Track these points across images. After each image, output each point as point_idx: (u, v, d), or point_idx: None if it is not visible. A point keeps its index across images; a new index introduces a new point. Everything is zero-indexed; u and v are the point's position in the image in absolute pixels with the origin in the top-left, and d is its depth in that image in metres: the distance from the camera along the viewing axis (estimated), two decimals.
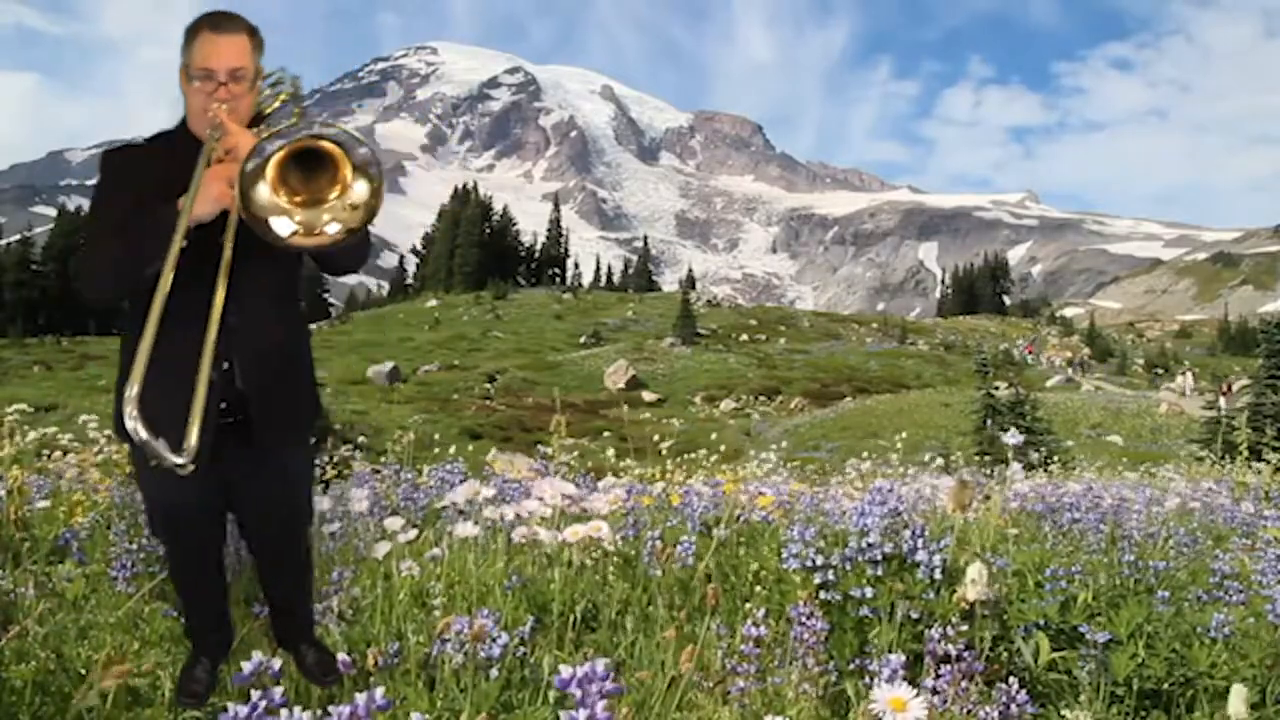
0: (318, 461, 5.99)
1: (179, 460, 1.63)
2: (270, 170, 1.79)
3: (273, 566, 2.32)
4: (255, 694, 1.22)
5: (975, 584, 2.29)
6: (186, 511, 2.10)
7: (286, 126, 1.81)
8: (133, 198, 1.97)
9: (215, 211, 1.91)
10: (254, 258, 1.95)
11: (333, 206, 1.84)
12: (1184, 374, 41.88)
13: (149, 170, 2.03)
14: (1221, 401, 23.57)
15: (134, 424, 1.62)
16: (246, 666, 1.52)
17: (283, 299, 2.18)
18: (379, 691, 1.21)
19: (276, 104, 2.17)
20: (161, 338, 1.72)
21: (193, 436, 1.68)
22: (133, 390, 1.64)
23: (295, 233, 1.84)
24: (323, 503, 3.34)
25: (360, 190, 1.83)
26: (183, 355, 1.81)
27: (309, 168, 1.82)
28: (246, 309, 2.02)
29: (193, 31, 2.02)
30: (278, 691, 1.24)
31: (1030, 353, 55.48)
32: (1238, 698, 1.74)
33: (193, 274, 1.87)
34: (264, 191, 1.79)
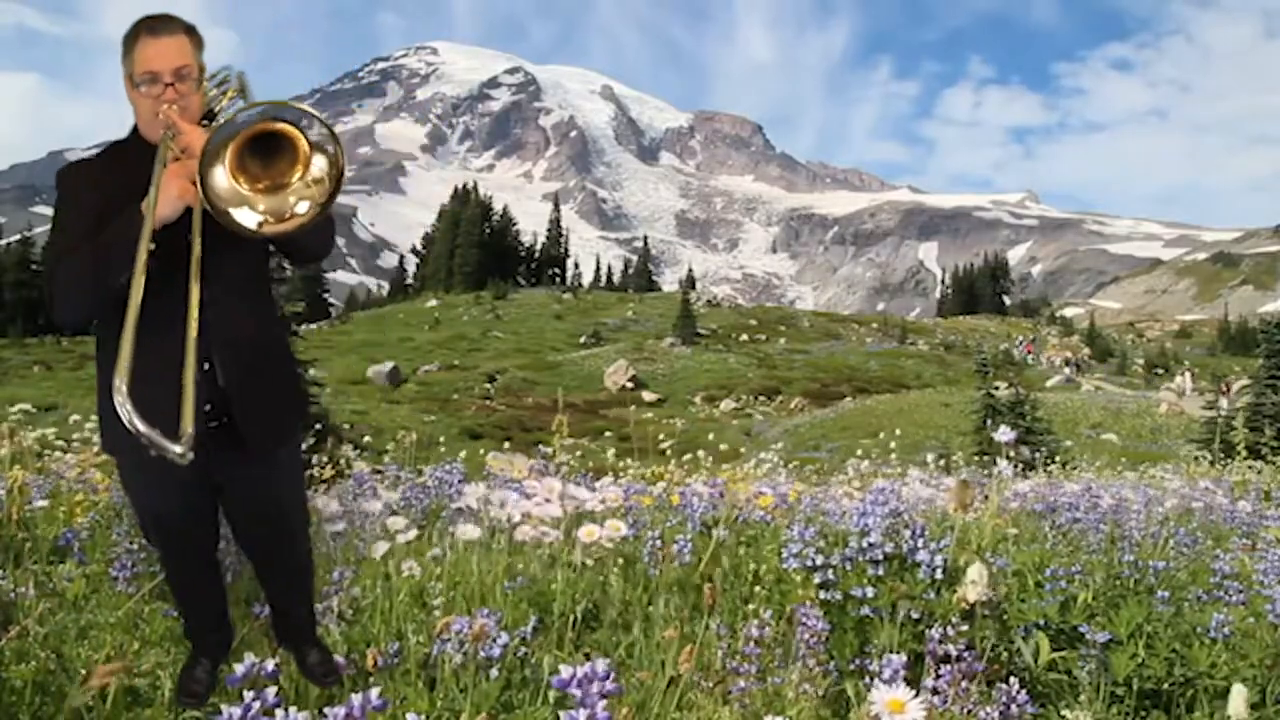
0: (316, 462, 5.98)
1: (177, 449, 1.63)
2: (228, 158, 1.78)
3: (266, 568, 2.31)
4: (249, 695, 1.22)
5: (975, 584, 2.29)
6: (176, 518, 2.10)
7: (237, 112, 1.81)
8: (93, 212, 1.97)
9: (179, 210, 1.90)
10: (221, 254, 1.96)
11: (297, 188, 1.84)
12: (1182, 374, 41.88)
13: (106, 182, 2.03)
14: (1222, 401, 23.55)
15: (128, 414, 1.61)
16: (239, 668, 1.52)
17: (254, 294, 2.18)
18: (374, 692, 1.21)
19: (225, 102, 2.17)
20: (140, 347, 1.71)
21: (188, 424, 1.67)
22: (121, 381, 1.63)
23: (263, 222, 1.83)
24: (330, 504, 3.34)
25: (319, 164, 1.83)
26: (164, 362, 1.81)
27: (267, 153, 1.82)
28: (219, 306, 2.02)
29: (131, 39, 2.03)
30: (271, 692, 1.24)
31: (1030, 352, 55.48)
32: (1239, 698, 1.73)
33: (163, 278, 1.87)
34: (223, 181, 1.79)
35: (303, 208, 1.85)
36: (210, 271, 1.94)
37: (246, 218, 1.83)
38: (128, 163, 2.02)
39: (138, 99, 2.04)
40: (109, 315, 1.89)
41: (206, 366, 2.02)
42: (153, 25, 2.03)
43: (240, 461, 2.10)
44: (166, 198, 1.88)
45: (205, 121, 2.08)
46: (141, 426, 1.61)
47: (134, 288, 1.76)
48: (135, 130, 2.10)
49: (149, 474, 2.07)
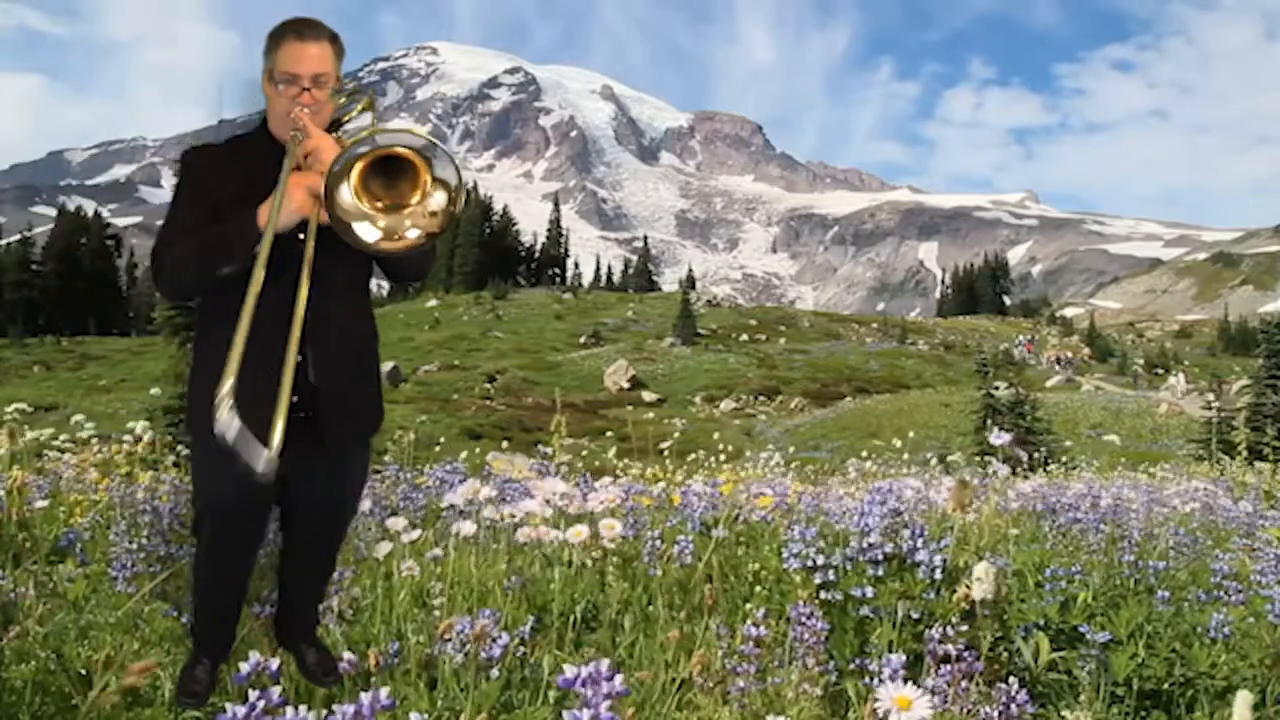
0: None
1: (263, 458, 1.66)
2: (354, 176, 1.84)
3: (298, 560, 2.31)
4: (253, 694, 1.22)
5: (981, 582, 2.29)
6: (236, 507, 2.09)
7: (368, 134, 1.87)
8: (210, 197, 2.05)
9: (295, 221, 1.96)
10: (329, 259, 1.99)
11: (413, 212, 1.90)
12: (1177, 375, 41.93)
13: (227, 171, 2.10)
14: (1214, 398, 23.54)
15: (229, 419, 1.65)
16: (244, 667, 1.52)
17: (355, 298, 2.22)
18: (384, 691, 1.21)
19: (355, 113, 2.25)
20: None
21: (275, 438, 1.70)
22: (225, 387, 1.67)
23: (381, 238, 1.90)
24: None
25: (439, 199, 1.89)
26: (258, 358, 1.83)
27: (391, 174, 1.88)
28: (321, 307, 2.05)
29: (277, 37, 2.10)
30: (276, 691, 1.23)
31: (1030, 352, 55.49)
32: (1243, 704, 1.70)
33: (270, 278, 1.89)
34: (348, 197, 1.85)
35: (412, 233, 1.91)
36: (315, 274, 1.98)
37: (367, 233, 1.89)
38: (250, 156, 2.09)
39: (273, 95, 2.11)
40: (211, 298, 2.03)
41: (300, 358, 2.03)
42: (300, 28, 2.10)
43: (315, 456, 2.11)
44: (285, 209, 1.93)
45: (332, 129, 2.15)
46: (231, 436, 1.64)
47: (248, 297, 1.79)
48: (264, 123, 2.16)
49: (221, 458, 2.06)
